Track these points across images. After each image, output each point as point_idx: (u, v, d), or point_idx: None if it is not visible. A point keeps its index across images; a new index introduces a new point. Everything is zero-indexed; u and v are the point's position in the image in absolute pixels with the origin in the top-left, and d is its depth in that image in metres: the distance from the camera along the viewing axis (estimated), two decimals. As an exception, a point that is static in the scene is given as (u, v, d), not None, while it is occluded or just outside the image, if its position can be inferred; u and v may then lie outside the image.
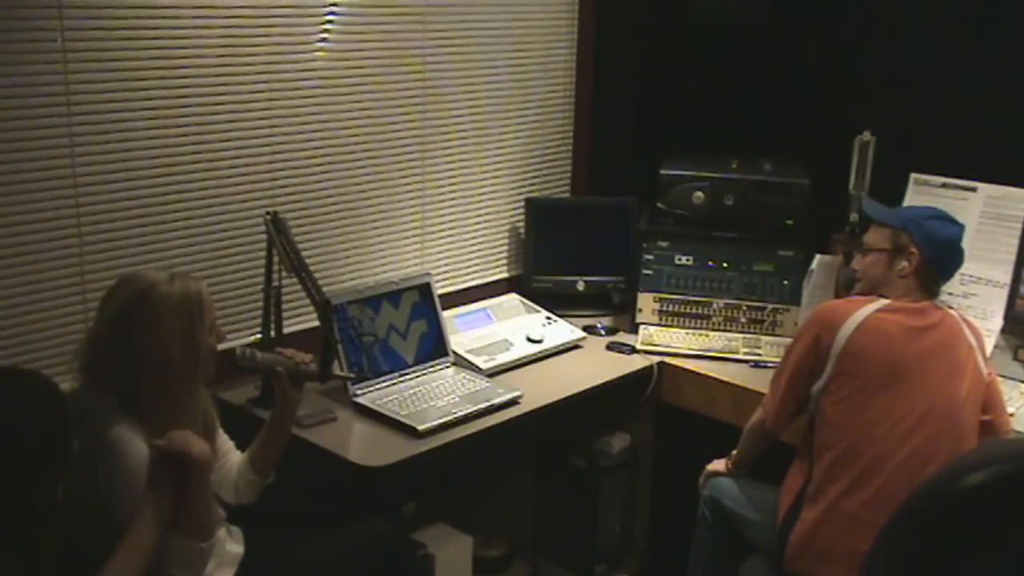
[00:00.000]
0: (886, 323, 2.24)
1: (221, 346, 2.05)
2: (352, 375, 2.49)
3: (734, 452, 2.53)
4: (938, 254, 2.32)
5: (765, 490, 2.44)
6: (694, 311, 3.03)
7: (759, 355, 2.87)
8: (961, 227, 2.37)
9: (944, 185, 2.87)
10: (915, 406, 2.18)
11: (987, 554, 2.01)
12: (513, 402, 2.55)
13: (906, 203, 2.86)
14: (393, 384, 2.60)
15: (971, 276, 2.77)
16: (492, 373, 2.71)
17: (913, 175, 2.90)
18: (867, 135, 2.92)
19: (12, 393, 1.58)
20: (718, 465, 2.56)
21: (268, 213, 2.40)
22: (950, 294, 2.76)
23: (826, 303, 2.42)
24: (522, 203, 3.24)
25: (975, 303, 2.75)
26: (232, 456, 2.20)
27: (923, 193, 2.87)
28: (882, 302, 2.28)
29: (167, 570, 1.90)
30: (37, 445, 1.56)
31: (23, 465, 1.54)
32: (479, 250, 3.21)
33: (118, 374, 1.91)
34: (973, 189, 2.83)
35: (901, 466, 2.15)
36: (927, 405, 2.18)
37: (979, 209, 2.81)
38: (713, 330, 3.01)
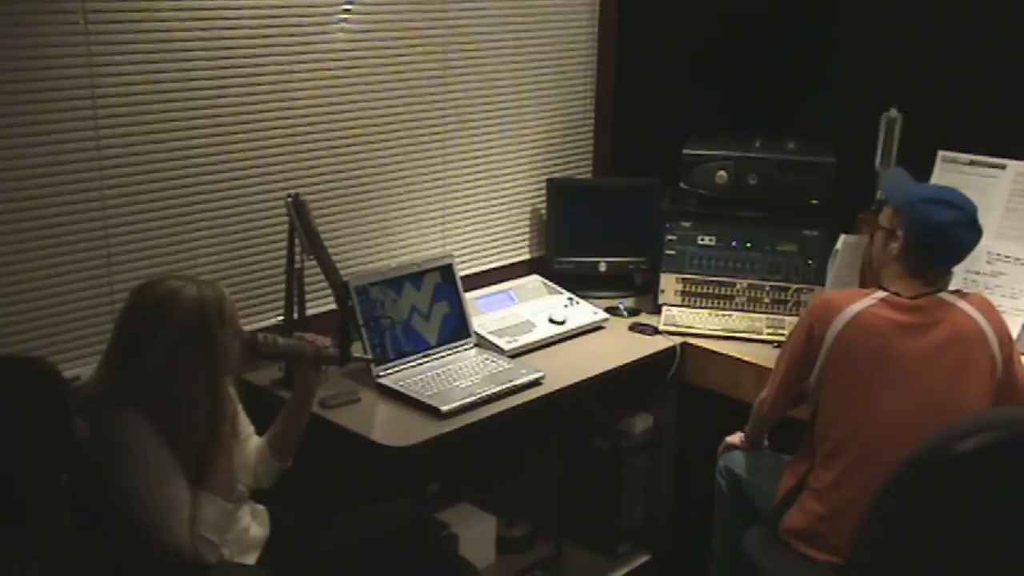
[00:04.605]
0: (876, 319, 2.16)
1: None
2: (371, 357, 2.49)
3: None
4: (922, 240, 2.16)
5: (777, 460, 2.45)
6: (717, 292, 3.02)
7: (783, 336, 2.84)
8: (963, 211, 2.15)
9: (972, 163, 2.83)
10: (907, 404, 2.12)
11: (978, 522, 1.98)
12: (536, 383, 2.55)
13: (932, 181, 2.82)
14: (416, 365, 2.60)
15: (1000, 255, 2.73)
16: (514, 354, 2.71)
17: (941, 153, 2.86)
18: (894, 112, 2.89)
19: (12, 382, 1.53)
20: (735, 438, 2.57)
21: (289, 196, 2.41)
22: (978, 273, 2.72)
23: (824, 295, 2.37)
24: (544, 184, 3.22)
25: (1004, 283, 2.71)
26: (251, 441, 2.22)
27: (951, 171, 2.83)
28: (879, 295, 2.19)
29: (198, 531, 1.93)
30: (35, 437, 1.51)
31: (22, 457, 1.50)
32: (501, 231, 3.20)
33: (149, 388, 1.92)
34: (1002, 166, 2.79)
35: (889, 464, 2.02)
36: (921, 404, 2.11)
37: (1009, 187, 2.76)
38: (736, 310, 2.99)
